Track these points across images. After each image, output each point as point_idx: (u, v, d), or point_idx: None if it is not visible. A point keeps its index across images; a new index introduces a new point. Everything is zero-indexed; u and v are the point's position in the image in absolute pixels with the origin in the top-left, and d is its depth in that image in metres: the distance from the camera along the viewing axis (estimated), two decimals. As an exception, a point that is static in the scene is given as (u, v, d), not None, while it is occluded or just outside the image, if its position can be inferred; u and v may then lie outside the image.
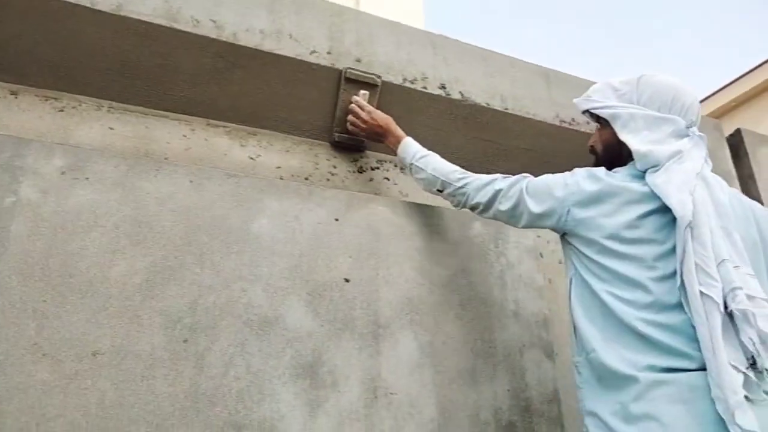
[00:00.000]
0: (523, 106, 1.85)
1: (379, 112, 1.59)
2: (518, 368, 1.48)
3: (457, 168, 1.44)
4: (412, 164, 1.49)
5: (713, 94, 7.68)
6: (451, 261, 1.55)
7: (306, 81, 1.60)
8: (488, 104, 1.80)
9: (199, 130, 1.56)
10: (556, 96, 1.94)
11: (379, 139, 1.59)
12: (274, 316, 1.27)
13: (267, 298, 1.28)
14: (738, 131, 2.34)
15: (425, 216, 1.58)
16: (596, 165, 1.31)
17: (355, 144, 1.71)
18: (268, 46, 1.53)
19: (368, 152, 1.75)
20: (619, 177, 1.20)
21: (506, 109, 1.82)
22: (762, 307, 0.98)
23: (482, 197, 1.36)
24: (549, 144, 1.93)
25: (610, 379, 1.06)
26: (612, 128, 1.26)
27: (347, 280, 1.39)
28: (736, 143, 2.32)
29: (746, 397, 0.92)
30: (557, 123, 1.89)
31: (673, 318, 1.02)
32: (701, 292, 0.98)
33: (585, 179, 1.21)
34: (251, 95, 1.59)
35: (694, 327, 0.99)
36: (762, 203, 2.00)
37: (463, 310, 1.49)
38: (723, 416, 0.91)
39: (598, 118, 1.32)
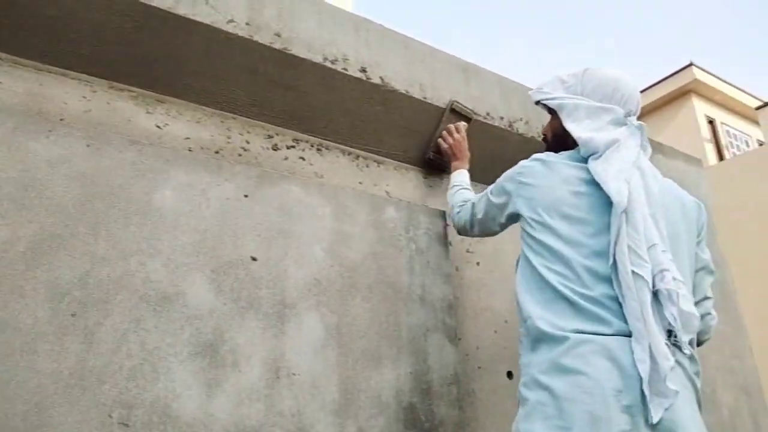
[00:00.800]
0: (441, 97, 1.88)
1: (466, 143, 1.81)
2: (421, 352, 1.52)
3: (465, 201, 1.56)
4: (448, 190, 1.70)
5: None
6: (361, 244, 1.55)
7: (222, 52, 1.53)
8: (407, 92, 1.81)
9: (101, 92, 1.45)
10: (473, 90, 1.98)
11: (452, 158, 1.79)
12: (174, 292, 1.22)
13: (167, 273, 1.22)
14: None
15: (339, 198, 1.57)
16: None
17: (444, 164, 1.88)
18: (182, 10, 1.45)
19: (284, 130, 1.71)
20: (559, 158, 1.29)
21: (425, 98, 1.84)
22: (682, 288, 1.08)
23: (465, 216, 1.51)
24: (464, 136, 1.97)
25: (542, 341, 1.12)
26: (560, 118, 1.34)
27: (254, 259, 1.36)
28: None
29: None
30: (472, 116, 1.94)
31: (600, 290, 1.11)
32: (633, 272, 1.07)
33: (528, 162, 1.32)
34: (161, 60, 1.50)
35: (619, 302, 1.09)
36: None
37: (370, 293, 1.50)
38: (644, 377, 1.00)
39: (549, 109, 1.41)
